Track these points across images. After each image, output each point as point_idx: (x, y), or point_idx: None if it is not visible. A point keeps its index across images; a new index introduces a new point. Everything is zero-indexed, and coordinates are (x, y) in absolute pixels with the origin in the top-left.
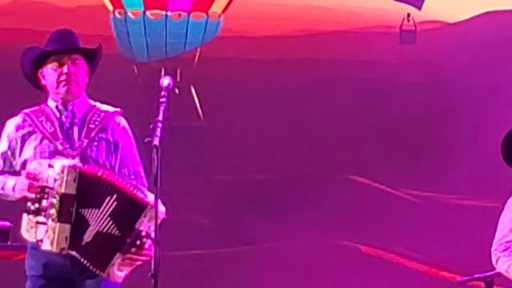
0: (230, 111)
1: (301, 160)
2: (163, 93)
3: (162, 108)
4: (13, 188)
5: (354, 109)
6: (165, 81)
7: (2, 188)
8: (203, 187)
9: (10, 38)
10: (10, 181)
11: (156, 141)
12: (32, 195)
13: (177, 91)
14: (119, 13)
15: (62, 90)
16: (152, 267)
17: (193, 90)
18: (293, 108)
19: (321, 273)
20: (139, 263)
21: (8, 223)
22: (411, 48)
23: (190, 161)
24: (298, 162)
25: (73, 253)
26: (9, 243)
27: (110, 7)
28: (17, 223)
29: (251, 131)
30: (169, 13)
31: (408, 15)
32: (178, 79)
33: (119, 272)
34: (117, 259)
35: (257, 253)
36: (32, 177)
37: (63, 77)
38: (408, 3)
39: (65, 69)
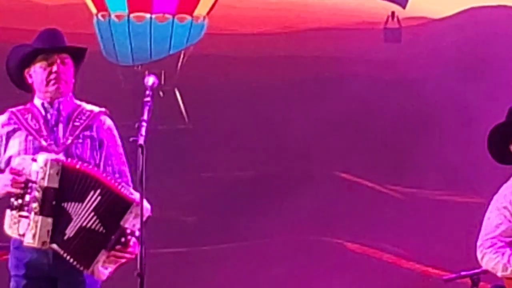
0: (214, 110)
1: (286, 157)
2: (147, 92)
3: (147, 108)
4: None
5: (338, 106)
6: (150, 80)
7: None
8: (188, 184)
9: None
10: None
11: (141, 140)
12: (16, 190)
13: (161, 94)
14: (103, 16)
15: (52, 88)
16: (138, 266)
17: (177, 93)
18: (277, 106)
19: (307, 270)
20: (123, 260)
21: None
22: (395, 45)
23: (175, 159)
24: (283, 159)
25: (55, 246)
26: None
27: (94, 10)
28: (0, 223)
29: (235, 129)
30: (153, 16)
31: (393, 13)
32: (163, 82)
33: (103, 269)
34: (102, 256)
35: (243, 250)
36: (15, 173)
37: (52, 76)
38: (393, 1)
39: (54, 68)
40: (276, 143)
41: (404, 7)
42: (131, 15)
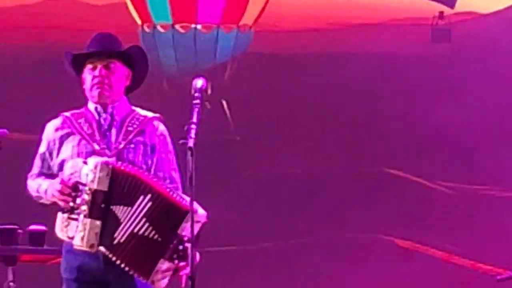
0: (260, 106)
1: (334, 154)
2: (196, 94)
3: (196, 110)
4: (46, 191)
5: (386, 104)
6: (199, 82)
7: (37, 191)
8: (233, 183)
9: (40, 37)
10: (45, 183)
11: (191, 143)
12: (62, 203)
13: (208, 105)
14: (148, 26)
15: (95, 93)
16: (189, 269)
17: (224, 104)
18: (324, 104)
19: (358, 267)
20: (186, 271)
21: (43, 227)
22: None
23: (221, 158)
24: (331, 157)
25: (103, 249)
26: (45, 247)
27: (139, 21)
28: (53, 227)
29: (282, 127)
30: (198, 26)
31: (441, 13)
32: (209, 92)
33: (163, 278)
34: (161, 265)
35: (288, 248)
36: (65, 184)
37: (95, 80)
38: (441, 2)
39: (96, 72)
40: (323, 141)
41: (452, 7)
42: (176, 26)
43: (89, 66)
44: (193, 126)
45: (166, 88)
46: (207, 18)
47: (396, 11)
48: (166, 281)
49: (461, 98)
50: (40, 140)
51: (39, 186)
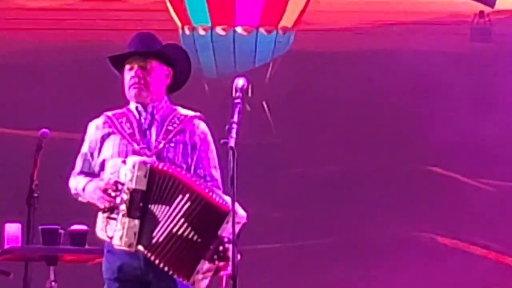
0: (302, 106)
1: (375, 151)
2: (237, 94)
3: (237, 109)
4: (83, 190)
5: (427, 100)
6: (240, 82)
7: (75, 188)
8: (276, 180)
9: (78, 36)
10: (82, 182)
11: (232, 143)
12: (102, 204)
13: (248, 107)
14: (188, 29)
15: (131, 93)
16: (231, 268)
17: (265, 106)
18: (366, 101)
19: (398, 263)
20: (227, 271)
21: (85, 227)
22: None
23: (265, 157)
24: (372, 153)
25: (141, 248)
26: (86, 246)
27: (179, 24)
28: (94, 227)
29: (324, 125)
30: (237, 28)
31: (481, 12)
32: (250, 94)
33: (204, 279)
34: (202, 266)
35: (333, 245)
36: (105, 190)
37: (131, 81)
38: (481, 2)
39: (132, 73)
40: (365, 139)
41: (492, 7)
42: (215, 28)
43: (127, 66)
44: (234, 125)
45: (207, 90)
46: (246, 20)
47: (436, 9)
48: (206, 281)
49: (500, 97)
50: (83, 140)
51: (77, 184)
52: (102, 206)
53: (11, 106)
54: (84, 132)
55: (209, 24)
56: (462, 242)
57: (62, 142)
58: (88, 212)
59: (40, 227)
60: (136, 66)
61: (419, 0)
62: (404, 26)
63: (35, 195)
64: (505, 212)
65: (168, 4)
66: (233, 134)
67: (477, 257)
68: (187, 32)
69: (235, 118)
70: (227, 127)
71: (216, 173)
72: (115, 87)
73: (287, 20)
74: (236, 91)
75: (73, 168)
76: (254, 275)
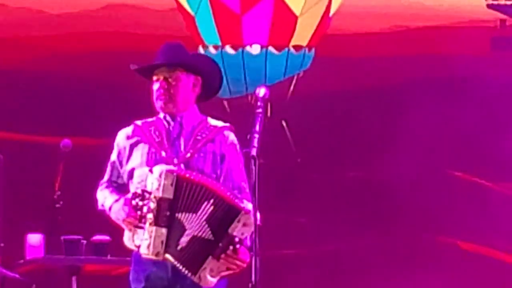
0: (324, 108)
1: (398, 157)
2: (259, 103)
3: (258, 119)
4: (110, 208)
5: (451, 106)
6: (261, 91)
7: (102, 205)
8: (300, 186)
9: (104, 42)
10: (109, 200)
11: (254, 152)
12: (128, 225)
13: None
14: (202, 47)
15: (157, 105)
16: (253, 278)
17: (284, 125)
18: (387, 108)
19: (421, 269)
20: (234, 269)
21: (107, 237)
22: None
23: (286, 162)
24: (395, 159)
25: (168, 256)
26: (108, 257)
27: (196, 42)
28: (116, 237)
29: (346, 129)
30: (247, 47)
31: (503, 22)
32: (269, 114)
33: (210, 277)
34: (209, 263)
35: (357, 251)
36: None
37: (157, 93)
38: (502, 11)
39: (157, 85)
40: (390, 144)
41: None
42: (224, 47)
43: (154, 78)
44: (256, 135)
45: (227, 109)
46: (254, 39)
47: (457, 18)
48: (214, 280)
49: None
50: (111, 149)
51: (104, 200)
52: (127, 228)
53: (32, 114)
54: (112, 140)
55: (219, 43)
56: (485, 247)
57: (84, 153)
58: (110, 222)
59: (62, 238)
60: (161, 78)
61: (441, 8)
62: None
63: (57, 205)
64: None
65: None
66: (255, 143)
67: (500, 263)
68: (201, 51)
69: (257, 128)
70: (248, 136)
71: (246, 186)
72: (144, 96)
73: (300, 38)
74: (257, 100)
75: (96, 178)
76: (280, 282)
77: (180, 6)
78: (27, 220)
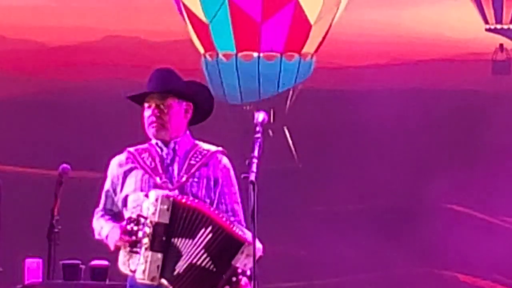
0: (323, 144)
1: (397, 190)
2: (258, 128)
3: (257, 144)
4: (107, 237)
5: (448, 139)
6: (260, 116)
7: (99, 234)
8: (299, 218)
9: (102, 73)
10: (106, 228)
11: (252, 177)
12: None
13: (270, 133)
14: (210, 55)
15: (150, 131)
16: None
17: (286, 131)
18: (385, 139)
19: None
20: None
21: (106, 262)
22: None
23: (286, 194)
24: (394, 192)
25: (164, 282)
26: (107, 281)
27: (201, 50)
28: (115, 262)
29: (346, 163)
30: (261, 55)
31: (501, 46)
32: (272, 120)
33: None
34: None
35: (359, 283)
36: (126, 232)
37: (149, 120)
38: (502, 35)
39: (149, 112)
40: (386, 177)
41: None
42: (239, 54)
43: (146, 104)
44: (255, 160)
45: (229, 115)
46: (271, 46)
47: (458, 46)
48: None
49: None
50: (105, 176)
51: (101, 229)
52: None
53: (32, 144)
54: (106, 168)
55: (234, 51)
56: (484, 280)
57: (83, 178)
58: (109, 248)
59: (61, 262)
60: (153, 105)
61: (442, 37)
62: (426, 63)
63: (56, 230)
64: None
65: (191, 31)
66: (254, 168)
67: None
68: (209, 58)
69: (256, 153)
70: (247, 161)
71: (238, 208)
72: (137, 123)
73: (310, 45)
74: (256, 125)
75: (95, 204)
76: None
77: (191, 14)
78: (26, 245)
